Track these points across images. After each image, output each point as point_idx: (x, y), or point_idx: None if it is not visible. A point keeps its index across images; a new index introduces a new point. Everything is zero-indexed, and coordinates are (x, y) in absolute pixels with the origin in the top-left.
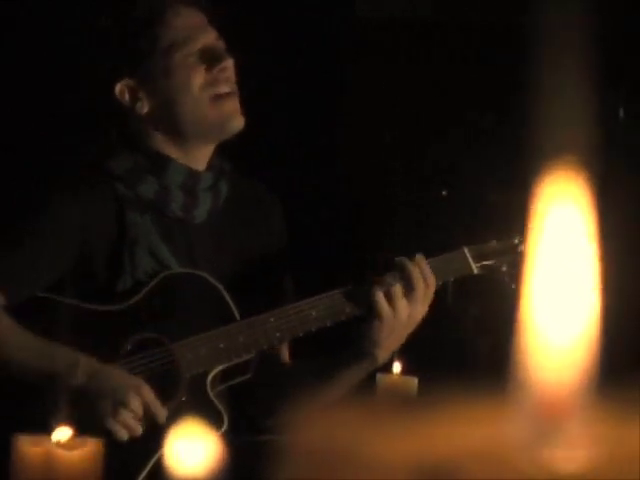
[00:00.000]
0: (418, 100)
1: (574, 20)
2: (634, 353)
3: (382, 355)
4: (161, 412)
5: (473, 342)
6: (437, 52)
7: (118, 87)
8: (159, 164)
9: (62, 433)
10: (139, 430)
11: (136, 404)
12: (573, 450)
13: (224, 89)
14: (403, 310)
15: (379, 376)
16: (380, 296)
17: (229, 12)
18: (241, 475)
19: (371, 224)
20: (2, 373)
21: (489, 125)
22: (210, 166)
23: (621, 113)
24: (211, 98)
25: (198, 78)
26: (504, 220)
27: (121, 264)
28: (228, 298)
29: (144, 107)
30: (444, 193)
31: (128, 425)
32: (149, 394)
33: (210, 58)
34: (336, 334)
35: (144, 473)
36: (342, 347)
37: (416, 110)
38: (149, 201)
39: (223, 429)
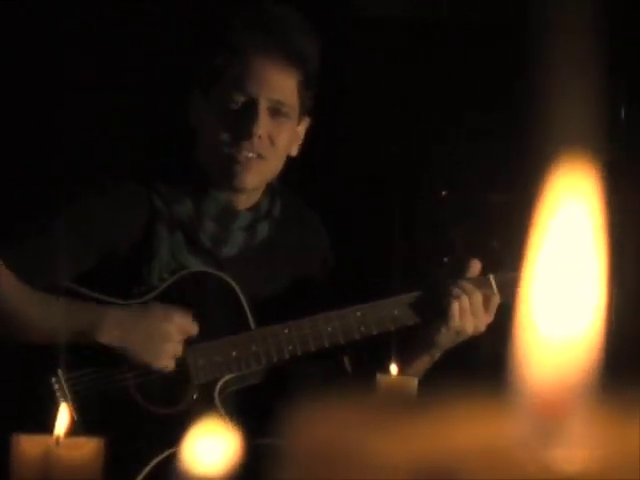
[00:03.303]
0: (418, 100)
1: (575, 19)
2: (637, 351)
3: (433, 359)
4: (195, 328)
5: (473, 341)
6: (437, 52)
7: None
8: (199, 191)
9: (63, 425)
10: (180, 352)
11: (174, 332)
12: (575, 450)
13: (244, 154)
14: (470, 320)
15: (379, 376)
16: (455, 305)
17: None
18: (245, 478)
19: (371, 224)
20: (29, 337)
21: (489, 125)
22: (254, 206)
23: (622, 113)
24: (228, 156)
25: (225, 132)
26: (504, 221)
27: (140, 270)
28: (245, 304)
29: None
30: (444, 193)
31: (175, 354)
32: (179, 316)
33: (245, 118)
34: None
35: (144, 473)
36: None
37: (416, 110)
38: (180, 222)
39: None
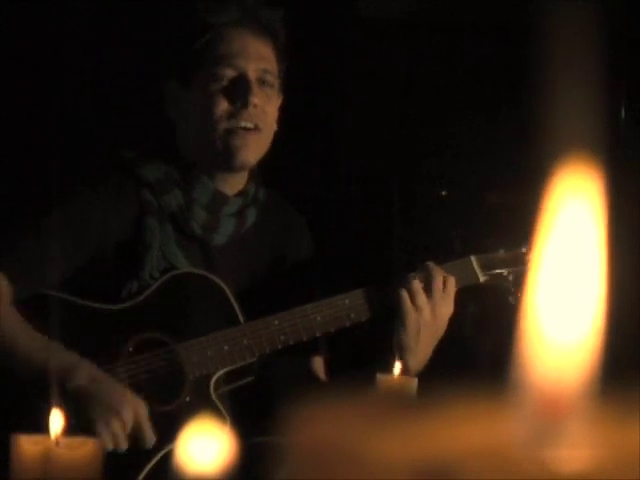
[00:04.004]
0: (418, 100)
1: (575, 20)
2: (637, 352)
3: (415, 362)
4: (151, 437)
5: (473, 341)
6: (437, 52)
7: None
8: (188, 180)
9: (59, 426)
10: (124, 446)
11: (129, 418)
12: (575, 450)
13: (242, 124)
14: (425, 307)
15: (379, 376)
16: (404, 293)
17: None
18: (242, 475)
19: (371, 224)
20: (5, 365)
21: (489, 125)
22: (241, 192)
23: (622, 113)
24: (226, 130)
25: (220, 107)
26: (504, 220)
27: (132, 266)
28: (233, 300)
29: (180, 117)
30: (444, 193)
31: (116, 436)
32: (144, 415)
33: (239, 89)
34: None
35: (145, 472)
36: (374, 361)
37: (416, 110)
38: (170, 213)
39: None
